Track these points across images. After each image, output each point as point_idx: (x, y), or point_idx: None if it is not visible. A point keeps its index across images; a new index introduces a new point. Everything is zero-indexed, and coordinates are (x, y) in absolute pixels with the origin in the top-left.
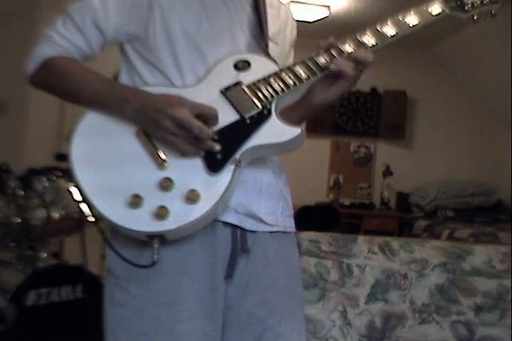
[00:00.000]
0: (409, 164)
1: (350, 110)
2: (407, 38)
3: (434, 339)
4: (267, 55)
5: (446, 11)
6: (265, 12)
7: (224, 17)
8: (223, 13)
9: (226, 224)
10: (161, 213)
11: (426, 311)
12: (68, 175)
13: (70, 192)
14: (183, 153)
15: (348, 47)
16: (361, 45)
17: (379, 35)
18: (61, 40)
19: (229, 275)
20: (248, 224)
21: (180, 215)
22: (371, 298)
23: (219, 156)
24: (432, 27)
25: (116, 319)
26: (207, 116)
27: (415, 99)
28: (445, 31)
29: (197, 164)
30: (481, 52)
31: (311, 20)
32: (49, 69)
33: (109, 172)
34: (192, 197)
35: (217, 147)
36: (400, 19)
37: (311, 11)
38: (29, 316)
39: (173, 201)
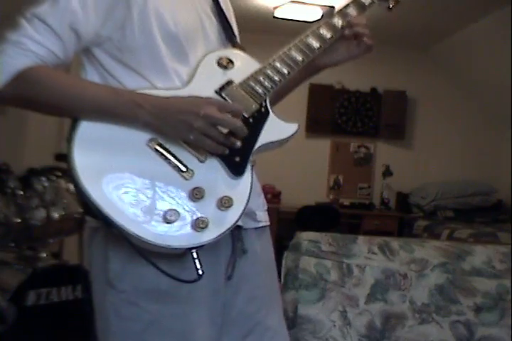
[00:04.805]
0: (409, 164)
1: (350, 110)
2: (407, 38)
3: (434, 339)
4: (237, 45)
5: (374, 0)
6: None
7: (192, 8)
8: (189, 4)
9: None
10: (201, 224)
11: (426, 311)
12: (68, 176)
13: (70, 192)
14: (214, 153)
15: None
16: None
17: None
18: (35, 46)
19: (230, 277)
20: (246, 222)
21: (219, 222)
22: (371, 298)
23: (237, 159)
24: (431, 27)
25: (127, 333)
26: (234, 114)
27: (415, 99)
28: (445, 31)
29: (219, 169)
30: (481, 52)
31: (311, 20)
32: (30, 81)
33: (137, 195)
34: (225, 203)
35: (239, 143)
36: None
37: (311, 11)
38: (29, 316)
39: (209, 210)
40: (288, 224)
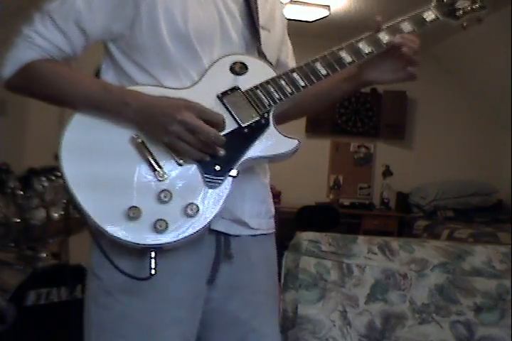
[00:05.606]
0: (409, 164)
1: (350, 110)
2: None
3: (434, 339)
4: (260, 49)
5: (440, 17)
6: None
7: (211, 7)
8: (210, 3)
9: (211, 230)
10: (160, 226)
11: (426, 311)
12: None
13: None
14: (192, 158)
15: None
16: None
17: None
18: (41, 41)
19: (211, 281)
20: (233, 229)
21: (179, 228)
22: (371, 298)
23: (218, 168)
24: (432, 27)
25: (99, 320)
26: (213, 123)
27: (415, 99)
28: (445, 32)
29: (195, 175)
30: (481, 52)
31: (311, 20)
32: (33, 73)
33: (106, 185)
34: (191, 211)
35: (222, 152)
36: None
37: (311, 11)
38: (29, 316)
39: (172, 214)
40: (288, 224)
